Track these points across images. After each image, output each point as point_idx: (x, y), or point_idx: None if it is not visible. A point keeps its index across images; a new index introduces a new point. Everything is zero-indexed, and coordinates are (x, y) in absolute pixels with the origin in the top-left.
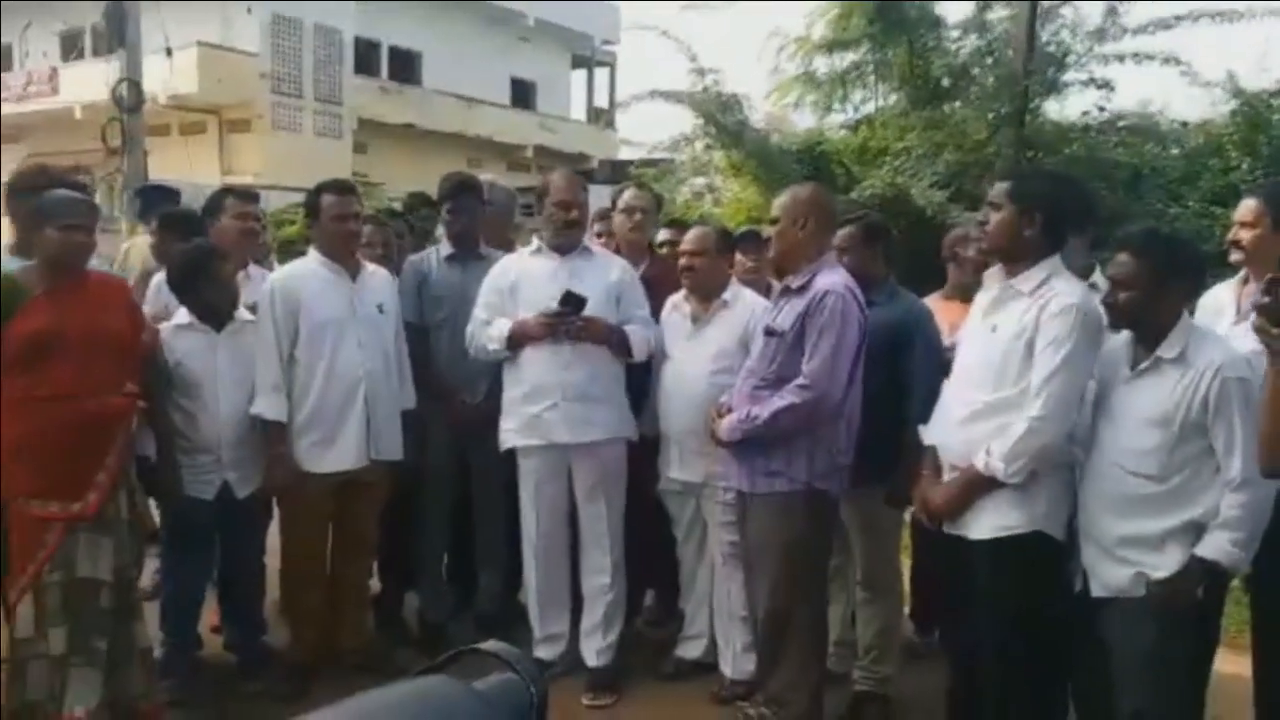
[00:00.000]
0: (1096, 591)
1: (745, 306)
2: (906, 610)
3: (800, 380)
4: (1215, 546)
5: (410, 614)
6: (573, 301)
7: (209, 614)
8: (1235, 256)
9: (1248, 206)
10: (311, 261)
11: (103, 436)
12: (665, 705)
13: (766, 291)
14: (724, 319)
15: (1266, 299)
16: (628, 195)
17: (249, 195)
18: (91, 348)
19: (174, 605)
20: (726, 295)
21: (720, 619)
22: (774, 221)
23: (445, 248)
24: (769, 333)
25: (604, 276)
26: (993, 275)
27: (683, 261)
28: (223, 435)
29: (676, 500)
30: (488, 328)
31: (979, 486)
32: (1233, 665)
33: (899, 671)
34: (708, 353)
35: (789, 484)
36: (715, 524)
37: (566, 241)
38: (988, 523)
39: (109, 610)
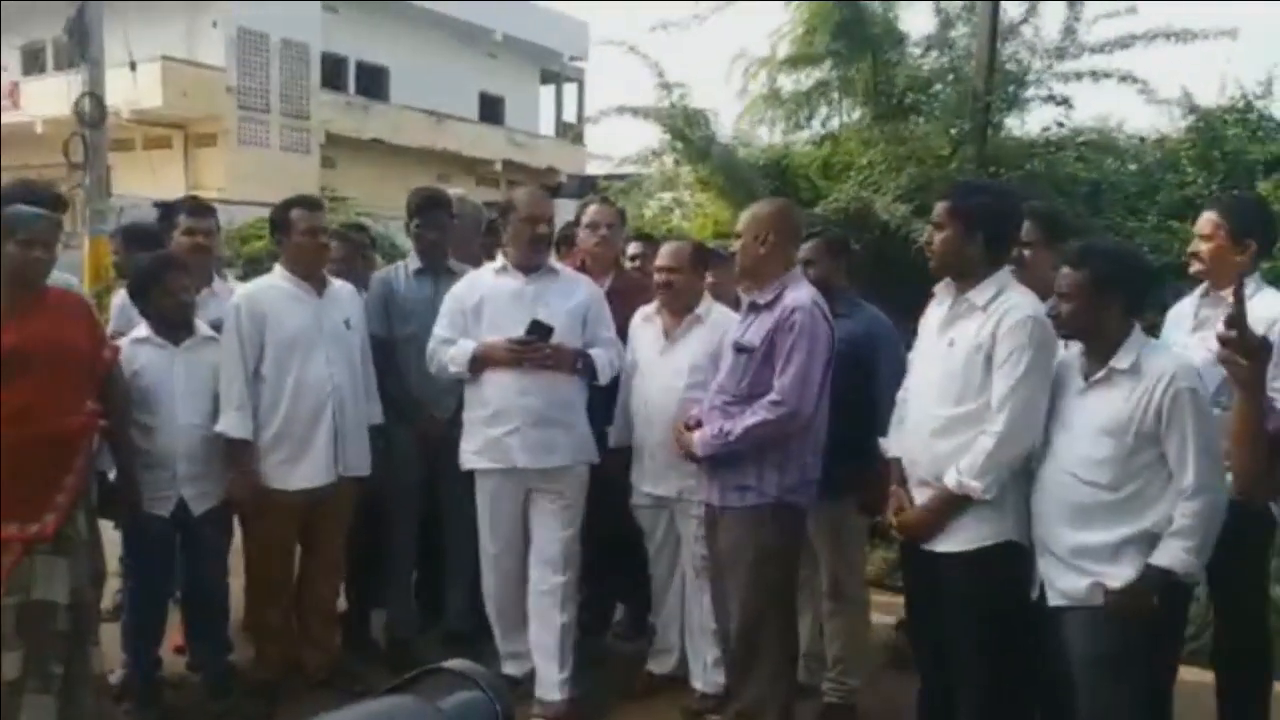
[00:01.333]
0: (1054, 600)
1: (718, 321)
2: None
3: (773, 396)
4: (1169, 555)
5: (377, 631)
6: (540, 331)
7: (174, 633)
8: (1195, 268)
9: (1206, 219)
10: (277, 278)
11: (62, 456)
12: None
13: (735, 305)
14: (697, 334)
15: (1232, 332)
16: (591, 210)
17: (201, 210)
18: (50, 366)
19: (134, 625)
20: (699, 310)
21: (691, 633)
22: (737, 237)
23: (414, 262)
24: (739, 349)
25: (570, 297)
26: (944, 289)
27: (660, 278)
28: (178, 450)
29: (649, 514)
30: (449, 347)
31: (953, 505)
32: (1197, 669)
33: (869, 682)
34: (681, 367)
35: (759, 498)
36: (688, 538)
37: (533, 259)
38: (961, 536)
39: (65, 634)
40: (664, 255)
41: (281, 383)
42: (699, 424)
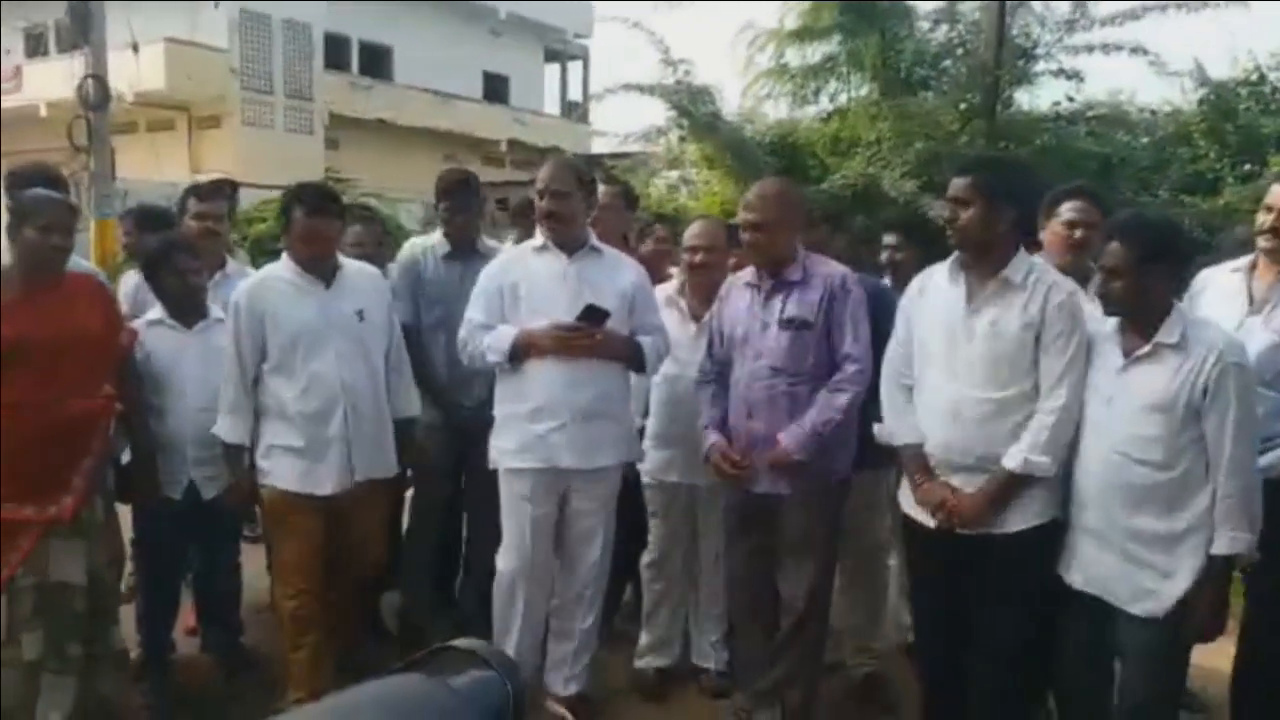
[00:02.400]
0: (1082, 585)
1: None
2: None
3: (855, 366)
4: (1225, 542)
5: (388, 615)
6: (594, 316)
7: (186, 615)
8: (1269, 244)
9: None
10: (282, 268)
11: (78, 440)
12: (645, 702)
13: None
14: None
15: None
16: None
17: (210, 193)
18: (67, 352)
19: (146, 607)
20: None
21: (699, 616)
22: (753, 222)
23: (442, 246)
24: (796, 325)
25: (616, 280)
26: (956, 267)
27: (696, 258)
28: (188, 434)
29: (662, 497)
30: (484, 333)
31: (1015, 487)
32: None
33: (894, 650)
34: None
35: (831, 476)
36: (711, 524)
37: (552, 234)
38: (1018, 517)
39: (83, 615)
40: (698, 234)
41: (286, 384)
42: (758, 430)
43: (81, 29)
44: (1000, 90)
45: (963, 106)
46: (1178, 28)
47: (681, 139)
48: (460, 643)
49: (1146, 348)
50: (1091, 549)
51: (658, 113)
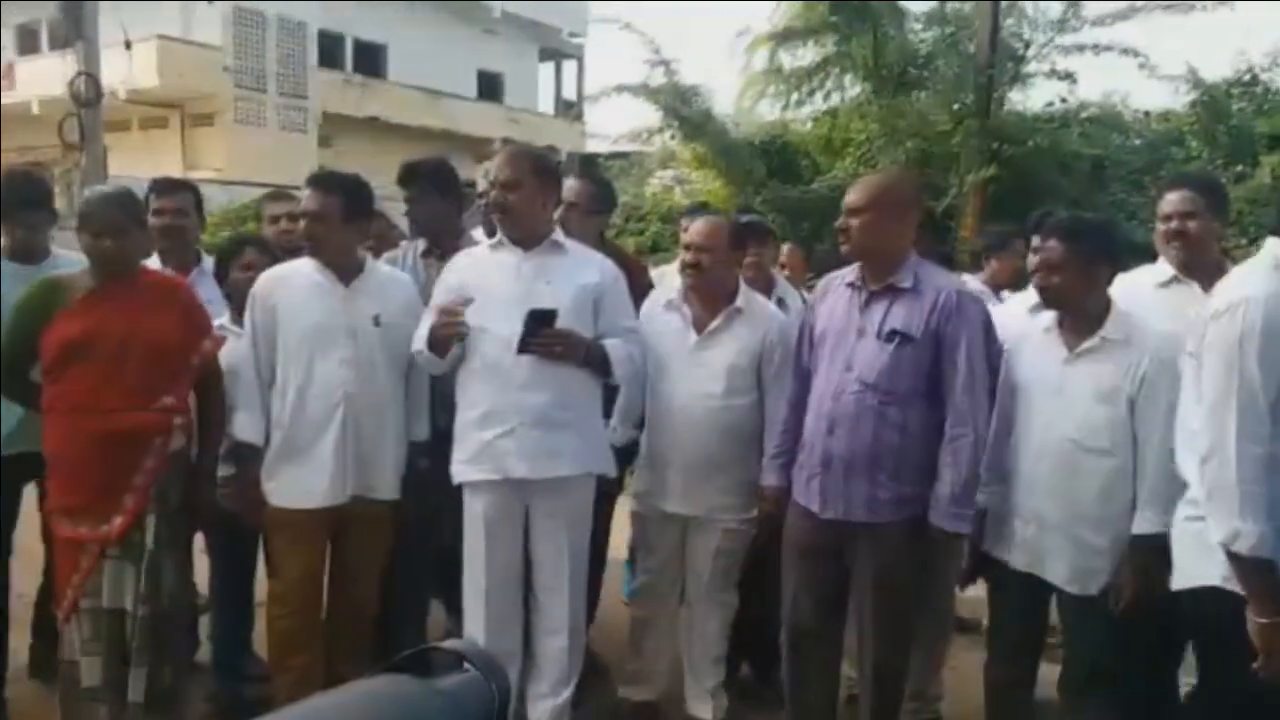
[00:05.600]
0: (1025, 566)
1: (762, 316)
2: None
3: (967, 422)
4: (1148, 522)
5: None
6: (540, 319)
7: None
8: (1177, 253)
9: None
10: (303, 262)
11: (130, 454)
12: None
13: (769, 288)
14: (736, 331)
15: None
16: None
17: (169, 188)
18: (125, 357)
19: (218, 620)
20: (740, 302)
21: (693, 658)
22: (853, 206)
23: (422, 243)
24: (899, 340)
25: (577, 278)
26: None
27: (688, 257)
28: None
29: (654, 528)
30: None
31: None
32: None
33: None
34: (719, 370)
35: (923, 509)
36: (705, 556)
37: (517, 231)
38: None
39: (134, 642)
40: (696, 232)
41: (289, 385)
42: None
43: (74, 26)
44: (993, 90)
45: (956, 106)
46: (1170, 30)
47: (672, 138)
48: (446, 644)
49: (1094, 341)
50: (1033, 532)
51: (652, 113)
